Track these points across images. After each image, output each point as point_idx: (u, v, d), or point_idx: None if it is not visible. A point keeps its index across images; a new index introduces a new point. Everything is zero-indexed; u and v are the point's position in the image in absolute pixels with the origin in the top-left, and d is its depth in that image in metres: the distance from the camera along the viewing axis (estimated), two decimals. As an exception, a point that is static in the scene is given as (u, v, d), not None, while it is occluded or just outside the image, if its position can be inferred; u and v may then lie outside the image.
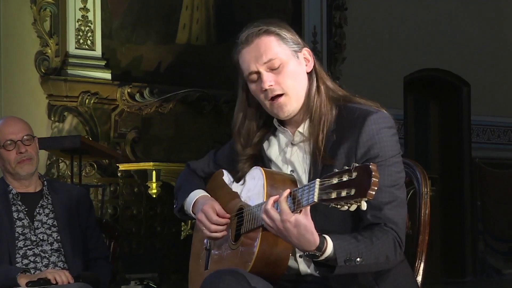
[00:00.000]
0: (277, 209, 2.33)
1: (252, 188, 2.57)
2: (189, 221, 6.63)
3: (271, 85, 2.51)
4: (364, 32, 8.73)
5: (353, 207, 2.16)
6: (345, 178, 2.16)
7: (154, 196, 6.61)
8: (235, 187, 2.68)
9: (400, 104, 8.92)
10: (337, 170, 2.20)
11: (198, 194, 2.75)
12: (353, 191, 2.13)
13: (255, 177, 2.56)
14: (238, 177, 2.67)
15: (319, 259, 2.33)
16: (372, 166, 2.12)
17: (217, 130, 7.39)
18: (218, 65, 7.54)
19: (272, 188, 2.49)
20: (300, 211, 2.29)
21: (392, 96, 8.66)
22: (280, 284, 2.49)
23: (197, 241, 2.85)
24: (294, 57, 2.55)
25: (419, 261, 2.74)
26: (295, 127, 2.58)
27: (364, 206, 2.15)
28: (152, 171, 6.53)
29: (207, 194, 2.75)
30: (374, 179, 2.11)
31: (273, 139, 2.65)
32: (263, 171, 2.53)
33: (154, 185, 6.53)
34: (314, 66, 2.58)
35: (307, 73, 2.57)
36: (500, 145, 9.89)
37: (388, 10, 8.97)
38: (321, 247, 2.31)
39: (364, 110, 2.49)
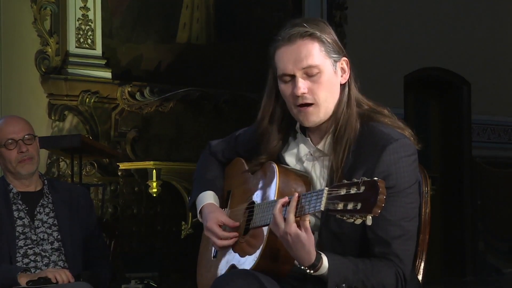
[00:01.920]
0: (284, 214, 2.34)
1: (265, 183, 2.57)
2: (190, 220, 6.65)
3: (304, 93, 2.44)
4: (364, 31, 8.73)
5: (358, 221, 2.16)
6: (353, 191, 2.16)
7: (155, 195, 6.61)
8: (250, 178, 2.68)
9: (400, 103, 8.92)
10: (345, 181, 2.20)
11: (205, 200, 2.74)
12: (359, 206, 2.13)
13: (269, 172, 2.55)
14: (254, 170, 2.66)
15: (312, 274, 2.35)
16: (380, 183, 2.12)
17: (217, 129, 7.38)
18: (218, 64, 7.54)
19: (284, 186, 2.49)
20: (303, 219, 2.29)
21: (392, 95, 8.66)
22: (286, 282, 2.50)
23: None
24: (332, 67, 2.48)
25: (420, 260, 2.74)
26: (317, 137, 2.54)
27: (369, 221, 2.15)
28: (153, 170, 6.53)
29: (213, 202, 2.73)
30: (381, 196, 2.10)
31: (292, 145, 2.61)
32: (277, 167, 2.53)
33: (154, 184, 6.53)
34: (349, 78, 2.52)
35: (341, 84, 2.51)
36: (500, 144, 9.90)
37: (388, 9, 8.97)
38: (315, 264, 2.33)
39: (385, 136, 2.44)
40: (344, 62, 2.51)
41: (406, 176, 2.43)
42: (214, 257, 2.74)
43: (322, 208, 2.21)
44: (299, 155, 2.58)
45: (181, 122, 7.36)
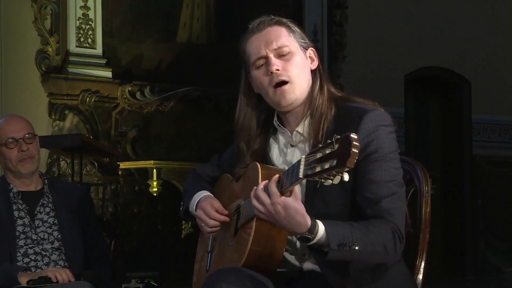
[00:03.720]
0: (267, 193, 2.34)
1: (249, 183, 2.57)
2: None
3: (278, 69, 2.52)
4: (365, 30, 8.73)
5: (337, 180, 2.15)
6: (328, 151, 2.16)
7: (155, 194, 6.61)
8: (236, 186, 2.70)
9: (400, 102, 8.92)
10: (320, 145, 2.21)
11: (201, 194, 2.77)
12: (334, 162, 2.13)
13: (252, 171, 2.57)
14: (239, 176, 2.68)
15: (312, 242, 2.33)
16: (352, 135, 2.12)
17: (218, 128, 7.39)
18: (218, 63, 7.54)
19: (268, 178, 2.49)
20: (290, 193, 2.30)
21: (392, 94, 8.66)
22: (281, 280, 2.49)
23: (201, 246, 2.88)
24: (301, 51, 2.58)
25: (420, 259, 2.73)
26: (295, 126, 2.58)
27: (346, 177, 2.14)
28: (153, 170, 6.53)
29: (211, 194, 2.77)
30: (354, 149, 2.10)
31: (272, 142, 2.65)
32: (258, 164, 2.54)
33: (154, 183, 6.53)
34: (318, 66, 2.61)
35: (312, 70, 2.60)
36: (500, 143, 9.90)
37: (389, 9, 8.97)
38: (312, 230, 2.31)
39: (361, 109, 2.50)
40: (311, 52, 2.61)
41: (387, 142, 2.47)
42: (207, 271, 2.74)
43: (301, 175, 2.22)
44: (280, 147, 2.63)
45: (182, 122, 7.36)
